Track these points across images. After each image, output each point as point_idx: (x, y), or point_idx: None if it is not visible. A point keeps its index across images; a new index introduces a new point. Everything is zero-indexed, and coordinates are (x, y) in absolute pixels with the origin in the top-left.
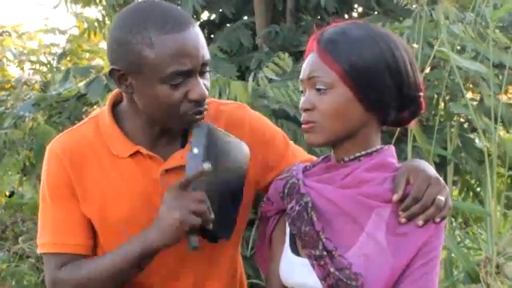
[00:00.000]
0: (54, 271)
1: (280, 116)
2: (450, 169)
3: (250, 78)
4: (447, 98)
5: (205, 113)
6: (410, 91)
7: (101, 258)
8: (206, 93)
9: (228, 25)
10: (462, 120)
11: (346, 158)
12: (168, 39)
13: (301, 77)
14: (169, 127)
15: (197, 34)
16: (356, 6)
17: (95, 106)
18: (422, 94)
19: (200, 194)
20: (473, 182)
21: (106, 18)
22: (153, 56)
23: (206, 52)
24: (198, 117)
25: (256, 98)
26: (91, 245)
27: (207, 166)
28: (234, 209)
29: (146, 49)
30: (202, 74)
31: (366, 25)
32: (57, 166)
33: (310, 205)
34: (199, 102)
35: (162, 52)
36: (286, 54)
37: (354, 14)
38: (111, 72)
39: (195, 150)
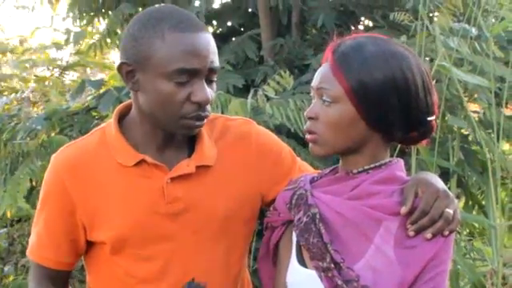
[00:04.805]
0: (32, 283)
1: (281, 133)
2: (453, 181)
3: (249, 96)
4: (447, 111)
5: (205, 120)
6: (420, 114)
7: None
8: (210, 97)
9: (234, 38)
10: (465, 132)
11: (355, 170)
12: (180, 36)
13: (312, 83)
14: (169, 131)
15: (209, 40)
16: (362, 18)
17: (106, 120)
18: (434, 116)
19: None
20: (477, 194)
21: (113, 33)
22: (162, 50)
23: (215, 59)
24: (197, 123)
25: (256, 115)
26: (70, 262)
27: None
28: None
29: (157, 42)
30: (209, 82)
31: (384, 41)
32: (53, 177)
33: (317, 216)
34: (201, 106)
35: (171, 47)
36: (288, 73)
37: (360, 27)
38: (120, 67)
39: None
